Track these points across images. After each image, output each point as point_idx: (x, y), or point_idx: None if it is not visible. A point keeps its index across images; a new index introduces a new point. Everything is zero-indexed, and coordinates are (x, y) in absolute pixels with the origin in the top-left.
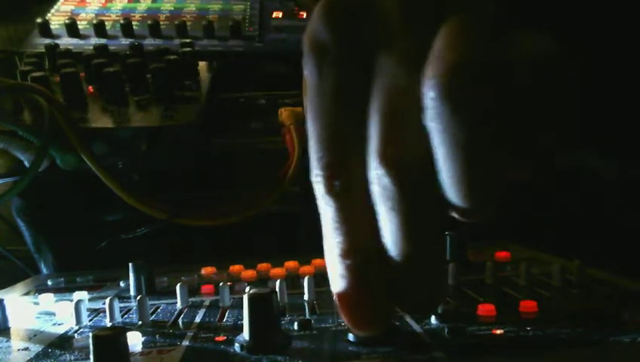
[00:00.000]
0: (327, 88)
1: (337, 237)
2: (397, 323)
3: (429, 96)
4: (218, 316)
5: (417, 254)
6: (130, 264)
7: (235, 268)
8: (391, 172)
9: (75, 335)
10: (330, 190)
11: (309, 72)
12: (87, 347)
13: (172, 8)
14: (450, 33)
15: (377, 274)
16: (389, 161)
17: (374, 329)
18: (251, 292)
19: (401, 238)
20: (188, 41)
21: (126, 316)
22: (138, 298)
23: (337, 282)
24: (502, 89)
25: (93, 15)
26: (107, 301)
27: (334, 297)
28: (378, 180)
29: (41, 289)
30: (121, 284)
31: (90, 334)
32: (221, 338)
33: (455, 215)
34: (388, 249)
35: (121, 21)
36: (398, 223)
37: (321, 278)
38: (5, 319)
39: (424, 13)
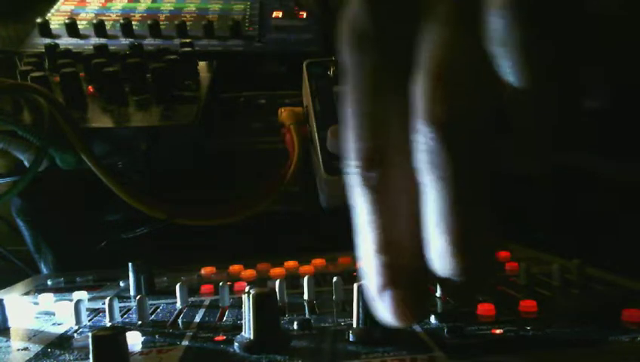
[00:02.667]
0: (367, 74)
1: (373, 231)
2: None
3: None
4: (218, 316)
5: (469, 234)
6: (130, 264)
7: (234, 267)
8: (439, 132)
9: (75, 335)
10: (367, 181)
11: (349, 59)
12: (87, 347)
13: (172, 8)
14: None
15: (416, 269)
16: (436, 120)
17: (414, 321)
18: (251, 291)
19: (451, 214)
20: (188, 41)
21: (126, 316)
22: (138, 298)
23: (374, 278)
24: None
25: (93, 15)
26: (107, 301)
27: (372, 293)
28: (425, 145)
29: (41, 289)
30: (121, 284)
31: (90, 334)
32: (220, 337)
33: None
34: (431, 233)
35: (121, 21)
36: (446, 195)
37: (320, 278)
38: (5, 319)
39: None
